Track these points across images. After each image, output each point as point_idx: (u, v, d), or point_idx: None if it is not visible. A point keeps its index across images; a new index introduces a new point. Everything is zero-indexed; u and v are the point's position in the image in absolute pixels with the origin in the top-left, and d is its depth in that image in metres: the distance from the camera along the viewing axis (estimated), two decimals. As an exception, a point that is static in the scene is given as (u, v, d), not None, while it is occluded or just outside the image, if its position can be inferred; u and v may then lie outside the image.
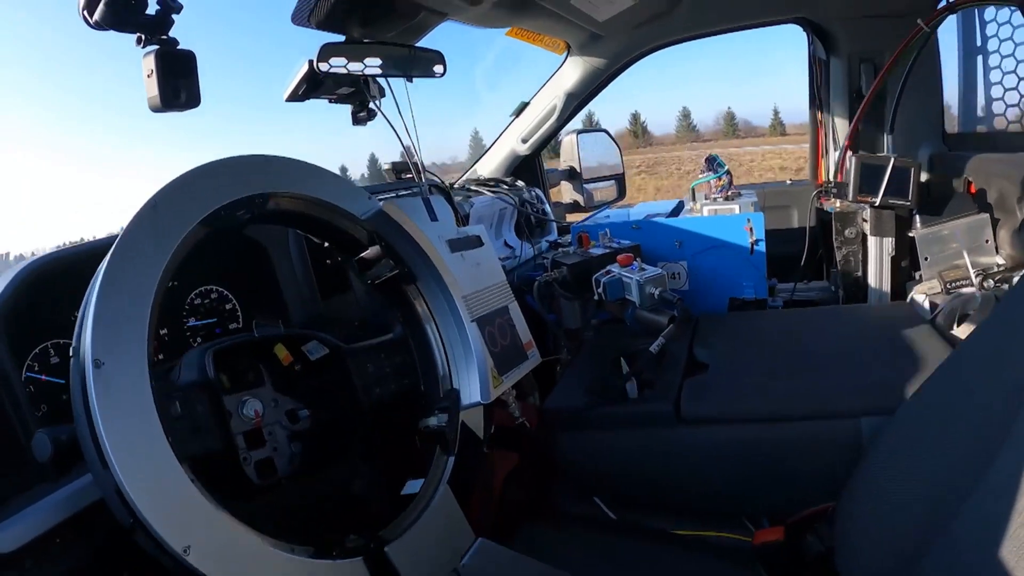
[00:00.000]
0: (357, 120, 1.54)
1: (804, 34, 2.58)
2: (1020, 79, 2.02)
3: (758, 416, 1.40)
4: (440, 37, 1.78)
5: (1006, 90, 2.09)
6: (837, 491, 1.17)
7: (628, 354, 1.72)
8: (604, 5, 2.11)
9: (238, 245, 1.37)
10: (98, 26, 0.92)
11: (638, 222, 2.23)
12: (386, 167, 2.07)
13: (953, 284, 1.82)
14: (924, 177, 2.21)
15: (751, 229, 2.06)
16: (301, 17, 1.39)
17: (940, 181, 2.18)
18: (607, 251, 2.00)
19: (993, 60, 2.15)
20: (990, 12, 2.11)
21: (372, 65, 1.42)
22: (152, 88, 0.96)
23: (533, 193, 2.68)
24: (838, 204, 2.30)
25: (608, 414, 1.50)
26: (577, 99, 2.76)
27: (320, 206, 1.10)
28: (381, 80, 1.50)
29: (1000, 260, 1.87)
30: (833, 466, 1.26)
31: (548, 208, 2.77)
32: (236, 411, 0.99)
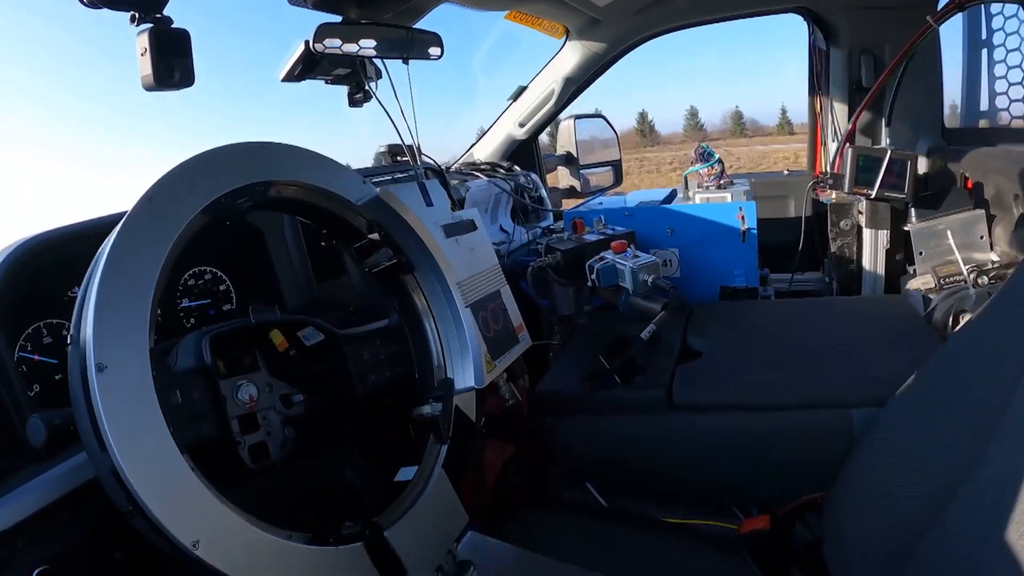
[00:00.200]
0: (353, 102, 1.53)
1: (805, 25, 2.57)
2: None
3: (750, 404, 1.41)
4: (438, 20, 1.77)
5: (1011, 84, 2.09)
6: (827, 481, 1.18)
7: (619, 341, 1.73)
8: (604, -10, 2.10)
9: (233, 228, 1.37)
10: (92, 4, 0.91)
11: (631, 209, 2.23)
12: (382, 150, 2.06)
13: (947, 279, 1.82)
14: (921, 170, 2.21)
15: (743, 217, 2.06)
16: (298, -3, 1.38)
17: (937, 175, 2.18)
18: (601, 237, 2.00)
19: (998, 54, 2.14)
20: (996, 6, 2.10)
21: (368, 46, 1.41)
22: (146, 67, 0.95)
23: (529, 178, 2.68)
24: (834, 195, 2.30)
25: (600, 399, 1.50)
26: (575, 84, 2.74)
27: (319, 193, 1.09)
28: (377, 62, 1.49)
29: (994, 257, 1.87)
30: (824, 456, 1.27)
31: (544, 193, 2.76)
32: (231, 395, 0.98)
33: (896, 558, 0.89)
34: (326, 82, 1.50)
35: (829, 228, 2.33)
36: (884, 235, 2.18)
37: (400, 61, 1.49)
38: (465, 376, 1.21)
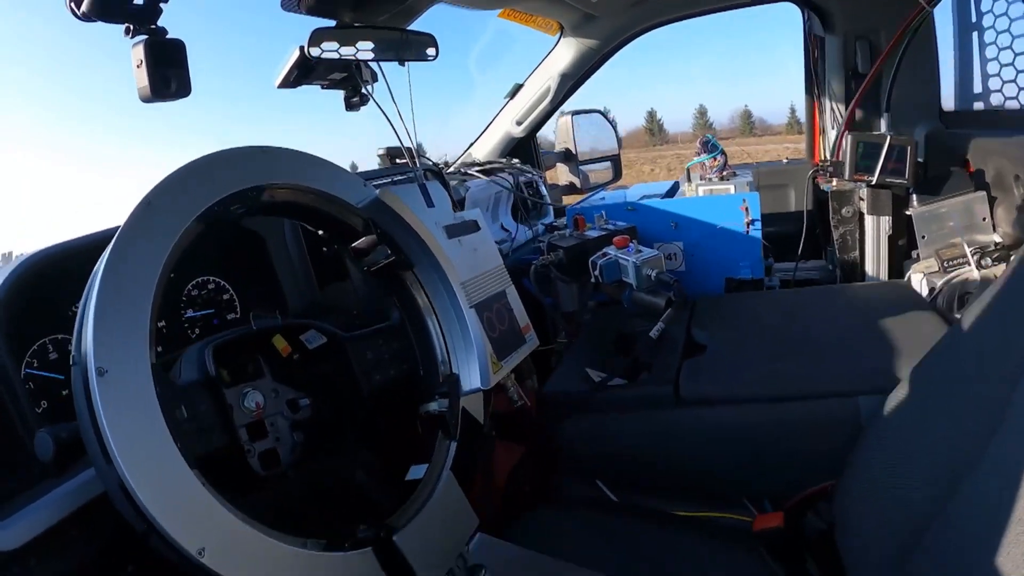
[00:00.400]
0: (350, 105, 1.53)
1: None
2: (1016, 55, 2.01)
3: (756, 396, 1.41)
4: (432, 21, 1.76)
5: (1002, 66, 2.08)
6: (836, 470, 1.18)
7: (625, 337, 1.72)
8: (597, -15, 2.10)
9: (234, 235, 1.37)
10: (86, 17, 0.91)
11: (634, 204, 2.23)
12: (380, 152, 2.06)
13: (950, 262, 1.82)
14: (921, 155, 2.20)
15: (747, 209, 2.06)
16: (291, 3, 1.38)
17: (937, 159, 2.18)
18: (603, 233, 2.00)
19: (988, 36, 2.13)
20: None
21: (364, 49, 1.40)
22: (142, 78, 0.95)
23: (529, 172, 2.67)
24: (835, 183, 2.29)
25: (607, 397, 1.50)
26: (571, 80, 2.74)
27: (314, 195, 1.09)
28: (373, 65, 1.49)
29: (997, 238, 1.87)
30: (832, 445, 1.27)
31: (544, 190, 2.76)
32: (237, 404, 0.98)
33: (906, 544, 0.89)
34: (322, 87, 1.49)
35: (831, 216, 2.33)
36: (886, 221, 2.17)
37: (395, 63, 1.49)
38: (471, 377, 1.21)
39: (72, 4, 0.91)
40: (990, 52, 2.13)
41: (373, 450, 1.16)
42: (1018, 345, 0.87)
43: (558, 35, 2.64)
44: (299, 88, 1.46)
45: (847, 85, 2.41)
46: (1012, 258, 1.67)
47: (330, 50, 1.35)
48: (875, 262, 2.24)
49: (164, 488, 0.72)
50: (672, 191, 2.87)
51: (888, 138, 2.03)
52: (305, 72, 1.42)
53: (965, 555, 0.78)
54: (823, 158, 2.52)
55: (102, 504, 0.81)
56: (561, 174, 2.94)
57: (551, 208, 2.76)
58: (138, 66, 0.94)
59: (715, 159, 2.59)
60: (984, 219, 1.90)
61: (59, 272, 1.04)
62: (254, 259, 1.41)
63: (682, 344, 1.64)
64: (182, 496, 0.74)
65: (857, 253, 2.31)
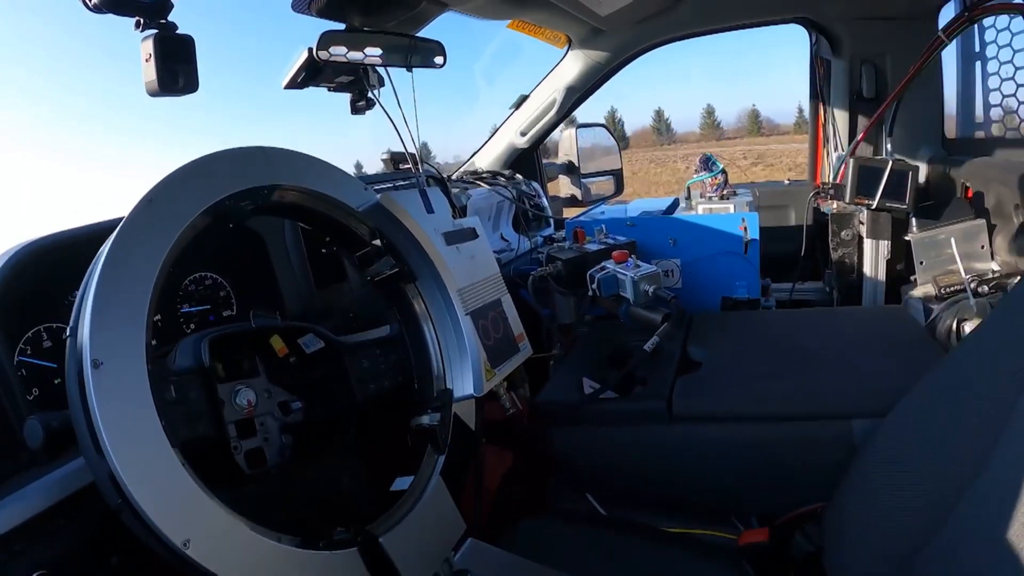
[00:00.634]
0: (356, 109, 1.53)
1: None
2: (1019, 86, 2.03)
3: (750, 415, 1.40)
4: (441, 28, 1.77)
5: (1004, 96, 2.10)
6: (827, 492, 1.17)
7: (621, 351, 1.72)
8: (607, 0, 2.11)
9: (234, 233, 1.37)
10: (97, 9, 0.91)
11: (633, 219, 2.23)
12: (384, 156, 2.06)
13: (948, 289, 1.82)
14: (922, 181, 2.21)
15: (746, 228, 2.06)
16: (301, 5, 1.39)
17: (938, 185, 2.19)
18: (602, 247, 2.00)
19: (992, 67, 2.15)
20: (989, 19, 2.11)
21: (372, 54, 1.41)
22: (150, 72, 0.95)
23: (531, 187, 2.68)
24: (835, 206, 2.30)
25: (600, 410, 1.50)
26: (577, 93, 2.75)
27: (320, 199, 1.10)
28: (380, 69, 1.50)
29: (995, 266, 1.87)
30: (824, 467, 1.27)
31: (546, 202, 2.77)
32: (229, 400, 0.98)
33: (895, 569, 0.89)
34: (329, 89, 1.50)
35: (830, 238, 2.33)
36: (885, 245, 2.18)
37: (402, 69, 1.50)
38: (464, 384, 1.21)
39: (84, -4, 0.91)
40: (992, 82, 2.14)
41: (361, 458, 1.16)
42: (1014, 370, 0.88)
43: (566, 48, 2.65)
44: (304, 90, 1.47)
45: (851, 108, 2.43)
46: (1010, 286, 1.67)
47: (338, 54, 1.36)
48: (873, 286, 2.24)
49: (153, 480, 0.72)
50: (672, 208, 2.87)
51: (890, 163, 2.04)
52: (312, 74, 1.43)
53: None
54: (824, 180, 2.53)
55: (89, 493, 0.81)
56: (563, 186, 2.94)
57: (552, 220, 2.76)
58: (147, 60, 0.95)
59: (715, 177, 2.59)
60: (983, 247, 1.91)
61: (55, 260, 1.05)
62: (252, 257, 1.41)
63: (677, 360, 1.64)
64: (170, 489, 0.74)
65: (855, 276, 2.31)
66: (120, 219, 0.81)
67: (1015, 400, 0.84)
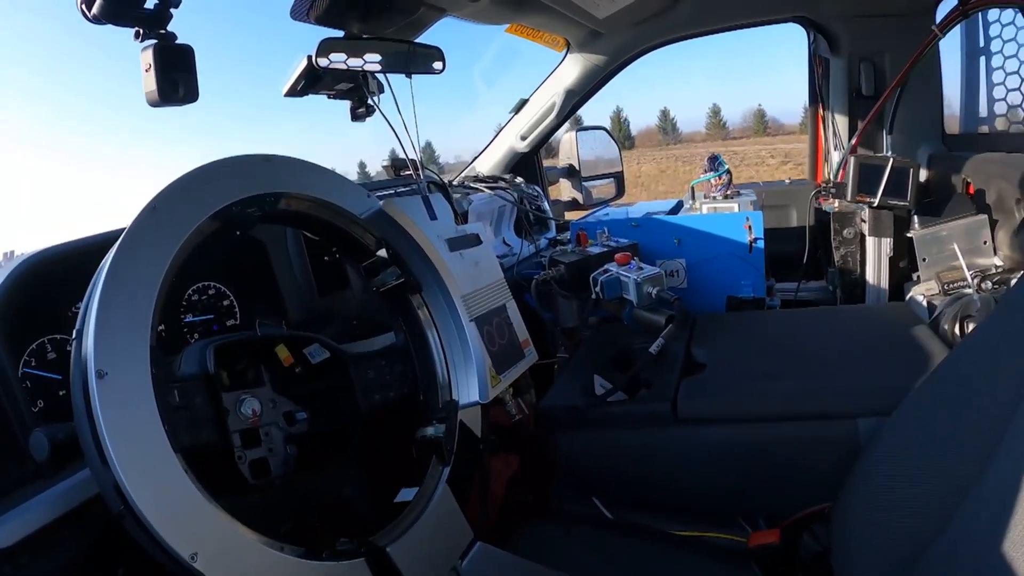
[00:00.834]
0: (356, 116, 1.53)
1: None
2: (1023, 80, 2.02)
3: (755, 416, 1.40)
4: (440, 34, 1.77)
5: (1008, 91, 2.09)
6: (834, 492, 1.17)
7: (625, 354, 1.72)
8: (604, 2, 2.11)
9: (236, 242, 1.37)
10: (96, 20, 0.92)
11: (637, 220, 2.23)
12: (385, 163, 2.06)
13: (951, 285, 1.81)
14: (923, 177, 2.21)
15: (750, 228, 2.06)
16: (300, 12, 1.39)
17: (939, 181, 2.18)
18: (605, 250, 2.00)
19: (996, 61, 2.15)
20: (993, 13, 2.11)
21: (371, 61, 1.41)
22: (150, 83, 0.95)
23: (532, 190, 2.68)
24: (837, 204, 2.29)
25: (605, 413, 1.50)
26: (576, 96, 2.75)
27: (327, 208, 1.10)
28: (380, 76, 1.50)
29: (998, 261, 1.87)
30: (830, 466, 1.26)
31: (547, 206, 2.77)
32: (234, 409, 0.98)
33: (903, 568, 0.88)
34: (329, 96, 1.50)
35: (832, 237, 2.33)
36: (887, 243, 2.17)
37: (402, 75, 1.50)
38: (470, 391, 1.21)
39: (83, 6, 0.92)
40: (997, 77, 2.14)
41: (366, 469, 1.15)
42: (1017, 368, 0.87)
43: (564, 51, 2.65)
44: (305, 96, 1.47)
45: (850, 107, 2.43)
46: (1013, 281, 1.67)
47: (338, 61, 1.36)
48: (876, 283, 2.24)
49: (159, 492, 0.72)
50: (676, 209, 2.87)
51: (891, 160, 2.04)
52: (312, 81, 1.43)
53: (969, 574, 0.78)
54: (825, 179, 2.53)
55: (95, 505, 0.81)
56: (564, 190, 2.95)
57: (554, 224, 2.76)
58: (147, 70, 0.95)
59: (720, 177, 2.60)
60: (985, 242, 1.90)
61: (59, 272, 1.05)
62: (255, 266, 1.41)
63: (681, 362, 1.63)
64: (177, 501, 0.74)
65: (858, 274, 2.31)
66: (120, 231, 0.81)
67: (1017, 400, 0.83)
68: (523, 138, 2.82)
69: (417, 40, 1.59)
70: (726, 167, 2.62)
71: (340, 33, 1.44)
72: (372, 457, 1.17)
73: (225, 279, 1.37)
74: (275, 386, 1.08)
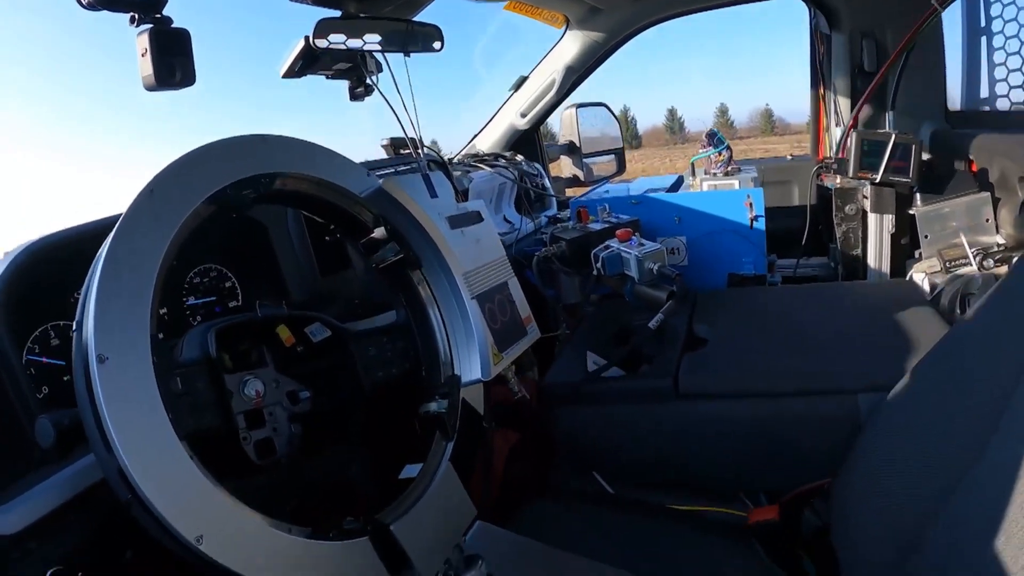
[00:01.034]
0: (355, 96, 1.52)
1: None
2: (1024, 60, 2.01)
3: (756, 391, 1.41)
4: (437, 11, 1.76)
5: (1010, 71, 2.07)
6: (834, 467, 1.18)
7: (626, 330, 1.73)
8: (604, -22, 2.09)
9: (237, 223, 1.37)
10: (91, 6, 0.91)
11: (637, 197, 2.22)
12: (384, 142, 2.06)
13: (952, 263, 1.82)
14: (925, 154, 2.20)
15: (751, 204, 2.06)
16: (298, -8, 1.38)
17: (941, 159, 2.17)
18: (606, 226, 2.00)
19: (998, 41, 2.13)
20: (997, -8, 2.09)
21: (370, 41, 1.40)
22: (146, 67, 0.95)
23: (533, 168, 2.67)
24: (838, 180, 2.29)
25: (606, 389, 1.51)
26: (576, 73, 2.73)
27: (324, 186, 1.10)
28: (378, 55, 1.49)
29: (1000, 239, 1.87)
30: (831, 442, 1.27)
31: (548, 183, 2.76)
32: (237, 391, 0.98)
33: (903, 543, 0.89)
34: (327, 77, 1.49)
35: (834, 213, 2.32)
36: (889, 219, 2.17)
37: (400, 54, 1.49)
38: (472, 368, 1.21)
39: (78, -8, 0.91)
40: (998, 56, 2.12)
41: (370, 446, 1.16)
42: (1016, 351, 0.88)
43: (564, 28, 2.63)
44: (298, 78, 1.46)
45: (853, 83, 2.41)
46: (1014, 259, 1.67)
47: (336, 41, 1.35)
48: (877, 260, 2.23)
49: (163, 475, 0.73)
50: (676, 185, 2.86)
51: (893, 136, 2.03)
52: (310, 62, 1.42)
53: (964, 556, 0.78)
54: (827, 155, 2.52)
55: (101, 490, 0.82)
56: (565, 167, 2.94)
57: (555, 200, 2.76)
58: (143, 55, 0.94)
59: (720, 154, 2.58)
60: (987, 220, 1.90)
61: (62, 258, 1.05)
62: (256, 247, 1.41)
63: (683, 338, 1.64)
64: (181, 484, 0.74)
65: (860, 251, 2.30)
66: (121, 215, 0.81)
67: (1016, 379, 0.84)
68: (523, 115, 2.81)
69: (415, 19, 1.58)
70: (726, 143, 2.60)
71: (337, 13, 1.43)
72: (376, 435, 1.18)
73: (227, 261, 1.37)
74: (278, 366, 1.08)
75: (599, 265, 1.77)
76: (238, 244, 1.38)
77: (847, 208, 2.29)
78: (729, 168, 2.57)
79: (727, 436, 1.41)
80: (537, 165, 2.74)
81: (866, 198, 2.20)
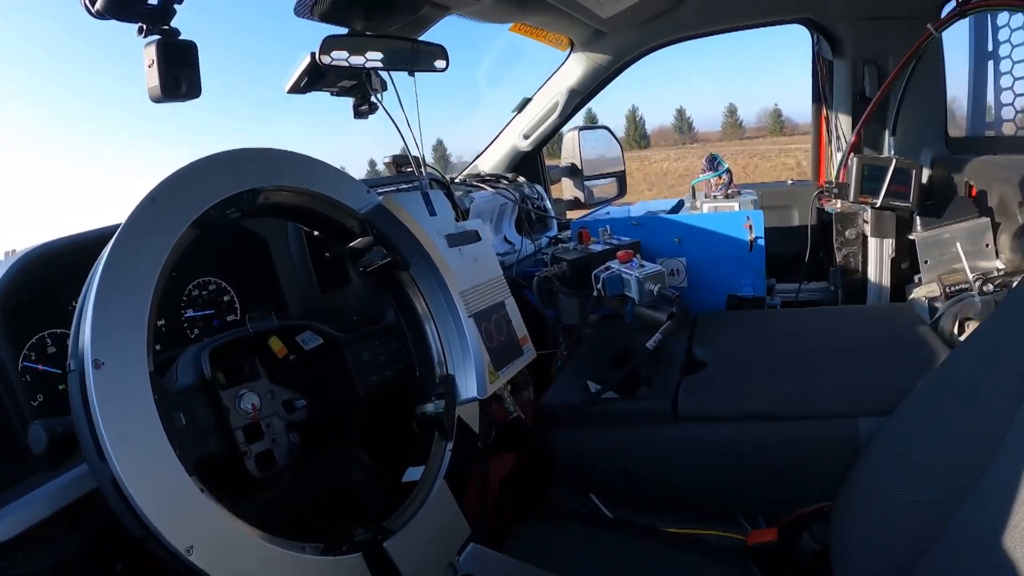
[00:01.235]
0: (359, 113, 1.54)
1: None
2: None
3: (755, 414, 1.40)
4: (444, 33, 1.77)
5: (1016, 96, 2.09)
6: (833, 491, 1.17)
7: (626, 352, 1.72)
8: (609, 2, 2.11)
9: (237, 237, 1.37)
10: (100, 15, 0.92)
11: (638, 219, 2.23)
12: (386, 160, 2.07)
13: (952, 288, 1.82)
14: (926, 179, 2.20)
15: (751, 227, 2.06)
16: (304, 9, 1.39)
17: (942, 184, 2.18)
18: (607, 247, 2.00)
19: (1004, 65, 2.14)
20: (1003, 17, 2.10)
21: (374, 59, 1.41)
22: (153, 78, 0.96)
23: (534, 189, 2.68)
24: (839, 205, 2.29)
25: (605, 410, 1.50)
26: (579, 96, 2.74)
27: (311, 197, 1.10)
28: (383, 73, 1.50)
29: (1000, 264, 1.87)
30: (830, 466, 1.26)
31: (549, 204, 2.77)
32: (234, 406, 0.98)
33: (902, 568, 0.88)
34: (332, 94, 1.50)
35: (834, 237, 2.33)
36: (889, 244, 2.17)
37: (405, 73, 1.50)
38: (467, 387, 1.21)
39: (87, 1, 0.92)
40: (1005, 81, 2.14)
41: (369, 451, 1.16)
42: (1017, 370, 0.87)
43: (568, 50, 2.65)
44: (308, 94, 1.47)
45: (854, 109, 2.42)
46: (1014, 284, 1.67)
47: (341, 58, 1.37)
48: (877, 285, 2.24)
49: (155, 485, 0.72)
50: (677, 208, 2.87)
51: (894, 161, 2.04)
52: (315, 79, 1.43)
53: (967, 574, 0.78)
54: (828, 180, 2.53)
55: (94, 500, 0.81)
56: (566, 189, 2.94)
57: (555, 222, 2.76)
58: (149, 66, 0.95)
59: (720, 177, 2.60)
60: (987, 245, 1.90)
61: (60, 266, 1.05)
62: (256, 261, 1.41)
63: (682, 360, 1.63)
64: (173, 494, 0.74)
65: (860, 275, 2.31)
66: (118, 226, 0.81)
67: (1017, 401, 0.83)
68: (525, 137, 2.82)
69: (420, 38, 1.59)
70: (726, 167, 2.61)
71: (344, 30, 1.44)
72: (374, 439, 1.18)
73: (226, 274, 1.37)
74: (271, 377, 1.08)
75: (599, 286, 1.77)
76: (237, 258, 1.38)
77: (847, 232, 2.30)
78: (729, 191, 2.58)
79: (726, 459, 1.40)
80: (539, 187, 2.75)
81: (866, 223, 2.21)
